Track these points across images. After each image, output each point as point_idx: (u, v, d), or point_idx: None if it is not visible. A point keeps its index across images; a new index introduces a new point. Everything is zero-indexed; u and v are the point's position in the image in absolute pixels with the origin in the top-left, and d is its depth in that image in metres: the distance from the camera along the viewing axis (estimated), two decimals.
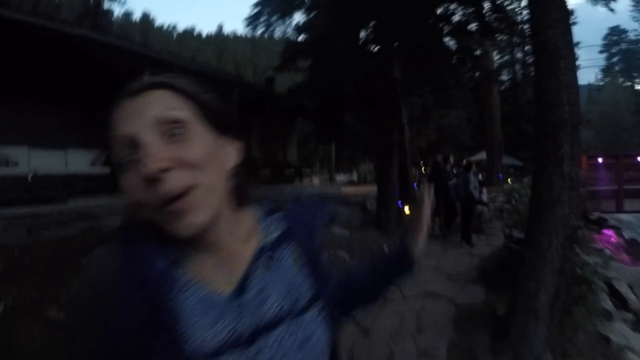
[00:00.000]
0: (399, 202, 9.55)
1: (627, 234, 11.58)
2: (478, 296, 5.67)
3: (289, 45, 11.38)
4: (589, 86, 45.22)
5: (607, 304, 4.69)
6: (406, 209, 11.08)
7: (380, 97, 9.06)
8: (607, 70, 45.17)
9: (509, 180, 22.21)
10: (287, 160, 18.31)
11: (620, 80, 42.45)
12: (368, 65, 9.04)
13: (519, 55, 35.76)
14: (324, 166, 38.94)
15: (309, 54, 10.29)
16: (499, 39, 29.53)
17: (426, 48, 8.88)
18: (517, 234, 6.76)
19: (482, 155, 27.74)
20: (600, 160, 12.02)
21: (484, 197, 8.97)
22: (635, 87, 41.70)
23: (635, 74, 42.86)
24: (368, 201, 10.21)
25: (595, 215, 11.06)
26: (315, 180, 20.20)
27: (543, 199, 3.85)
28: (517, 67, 35.86)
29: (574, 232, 3.69)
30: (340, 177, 33.82)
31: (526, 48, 35.77)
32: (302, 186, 15.24)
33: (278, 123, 16.47)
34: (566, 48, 4.16)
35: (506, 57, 34.91)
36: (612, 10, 9.01)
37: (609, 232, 10.97)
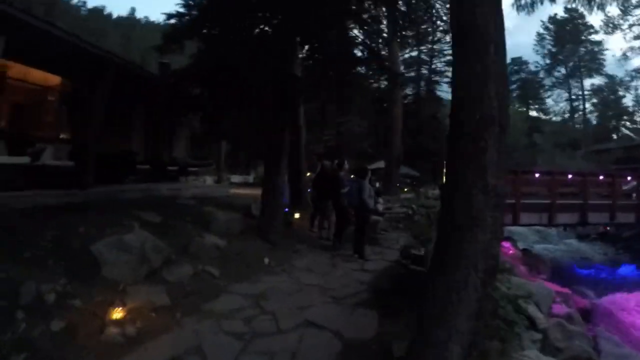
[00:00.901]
0: (287, 209, 8.31)
1: (521, 245, 11.83)
2: (370, 326, 4.55)
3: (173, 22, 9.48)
4: None
5: (528, 340, 3.86)
6: (296, 215, 9.89)
7: (274, 93, 7.72)
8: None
9: (404, 189, 22.56)
10: (173, 157, 16.10)
11: (517, 105, 47.14)
12: (262, 53, 7.68)
13: (424, 71, 37.52)
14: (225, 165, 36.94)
15: (196, 34, 8.56)
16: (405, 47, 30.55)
17: (329, 43, 7.76)
18: (417, 251, 5.89)
19: (380, 164, 28.19)
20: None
21: (380, 206, 8.11)
22: (530, 113, 46.78)
23: (530, 101, 47.93)
24: (254, 205, 8.78)
25: None
26: (209, 181, 18.23)
27: (458, 219, 2.81)
28: (422, 82, 37.58)
29: (495, 262, 2.68)
30: (235, 178, 32.06)
31: (433, 65, 38.12)
32: (182, 186, 13.27)
33: (167, 115, 14.28)
34: (497, 31, 3.25)
35: (412, 73, 36.29)
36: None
37: (506, 244, 10.93)
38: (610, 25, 36.16)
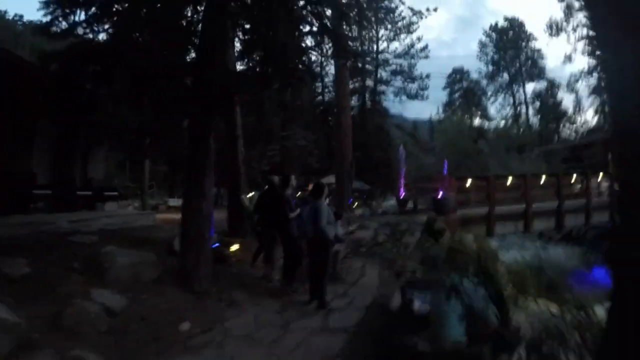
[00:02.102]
0: (216, 243, 6.28)
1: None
2: None
3: None
4: (430, 121, 50.30)
5: None
6: (234, 247, 7.85)
7: (194, 89, 5.72)
8: (449, 105, 50.88)
9: (356, 205, 20.99)
10: (88, 179, 13.38)
11: (460, 114, 47.85)
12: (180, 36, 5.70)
13: (369, 82, 36.79)
14: (163, 188, 33.54)
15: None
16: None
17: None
18: (417, 293, 4.07)
19: (330, 179, 26.58)
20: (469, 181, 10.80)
21: (340, 231, 6.27)
22: (475, 121, 47.75)
23: (473, 109, 48.87)
24: (178, 240, 6.56)
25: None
26: (131, 208, 15.57)
27: None
28: (367, 94, 36.81)
29: None
30: (174, 202, 29.01)
31: (379, 75, 37.55)
32: (94, 215, 10.75)
33: (59, 123, 11.63)
34: None
35: (357, 84, 35.37)
36: None
37: None
38: (554, 27, 37.40)
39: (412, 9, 29.60)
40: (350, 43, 9.38)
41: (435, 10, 34.07)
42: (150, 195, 23.48)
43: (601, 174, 14.14)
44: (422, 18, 31.90)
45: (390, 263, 7.62)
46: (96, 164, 13.82)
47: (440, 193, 9.60)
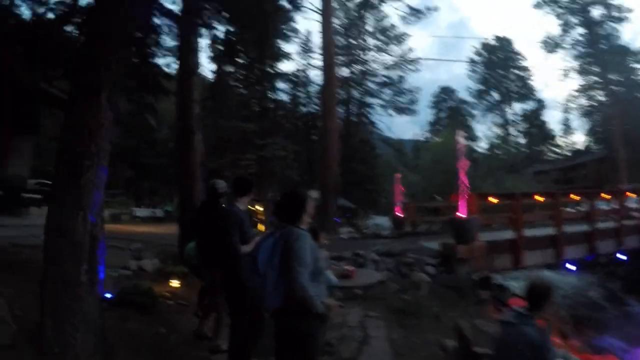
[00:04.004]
0: (106, 294, 3.59)
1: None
2: None
3: None
4: (415, 141, 48.79)
5: None
6: (174, 282, 5.25)
7: None
8: (434, 124, 49.60)
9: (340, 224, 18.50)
10: (6, 177, 10.42)
11: (447, 132, 46.53)
12: None
13: (356, 93, 34.66)
14: (129, 196, 30.11)
15: None
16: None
17: None
18: None
19: (313, 194, 23.99)
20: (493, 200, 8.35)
21: (333, 280, 3.68)
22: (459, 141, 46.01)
23: (459, 129, 47.41)
24: None
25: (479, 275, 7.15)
26: None
27: None
28: (352, 105, 34.60)
29: None
30: (141, 212, 25.94)
31: (365, 86, 35.39)
32: (13, 221, 7.91)
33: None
34: None
35: (342, 95, 33.14)
36: None
37: (516, 301, 6.94)
38: (552, 42, 36.04)
39: (404, 15, 27.51)
40: None
41: (435, 9, 32.10)
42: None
43: (630, 193, 12.04)
44: (419, 17, 29.60)
45: (400, 316, 5.11)
46: (19, 157, 10.72)
47: (461, 214, 7.14)
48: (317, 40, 33.09)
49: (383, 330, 4.58)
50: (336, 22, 28.79)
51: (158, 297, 4.83)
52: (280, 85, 29.81)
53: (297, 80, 32.62)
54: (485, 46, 47.43)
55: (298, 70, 32.77)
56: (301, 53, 33.05)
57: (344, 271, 4.89)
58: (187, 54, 7.64)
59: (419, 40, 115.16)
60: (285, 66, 32.27)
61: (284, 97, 31.62)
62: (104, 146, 3.08)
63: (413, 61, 34.55)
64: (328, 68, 17.30)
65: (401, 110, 36.16)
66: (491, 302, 6.36)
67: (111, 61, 3.14)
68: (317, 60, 28.98)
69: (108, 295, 3.22)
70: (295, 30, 30.13)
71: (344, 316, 4.80)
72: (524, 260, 8.25)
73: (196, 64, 7.99)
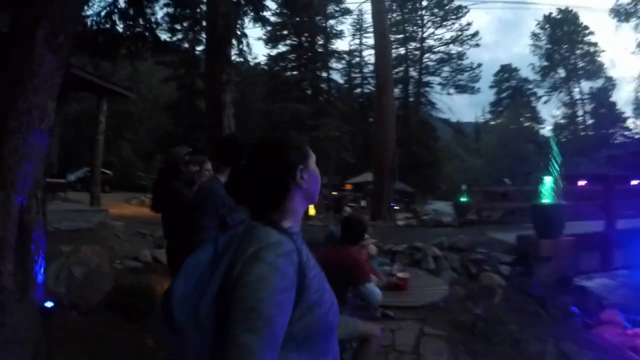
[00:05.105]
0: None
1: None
2: None
3: None
4: (476, 123, 45.73)
5: None
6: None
7: None
8: (496, 104, 46.26)
9: (397, 208, 17.17)
10: None
11: (511, 113, 43.16)
12: None
13: (413, 72, 32.67)
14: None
15: None
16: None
17: None
18: None
19: (367, 177, 22.81)
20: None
21: (377, 295, 2.58)
22: (523, 123, 42.68)
23: (522, 110, 43.86)
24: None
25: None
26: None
27: None
28: (410, 85, 32.62)
29: None
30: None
31: (424, 63, 33.18)
32: None
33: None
34: None
35: (400, 74, 31.28)
36: None
37: (612, 317, 5.37)
38: (622, 11, 31.51)
39: None
40: None
41: None
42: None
43: None
44: None
45: (468, 336, 3.89)
46: None
47: (546, 199, 5.65)
48: (369, 19, 31.57)
49: (446, 357, 3.42)
50: None
51: (159, 300, 3.98)
52: (335, 66, 28.76)
53: (351, 61, 31.30)
54: (549, 19, 42.80)
55: (351, 51, 31.42)
56: (354, 33, 31.66)
57: (394, 280, 3.41)
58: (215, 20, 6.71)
59: (477, 21, 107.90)
60: (339, 46, 30.87)
61: (338, 78, 30.51)
62: (40, 103, 2.18)
63: (473, 36, 31.74)
64: (380, 36, 15.90)
65: (461, 88, 33.55)
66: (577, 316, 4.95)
67: None
68: (371, 39, 27.63)
69: (49, 305, 2.37)
70: (347, 11, 28.59)
71: (393, 333, 3.67)
72: (616, 259, 6.62)
73: (228, 35, 7.09)
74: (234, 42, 7.21)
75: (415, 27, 31.65)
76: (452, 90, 33.41)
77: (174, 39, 18.67)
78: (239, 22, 6.91)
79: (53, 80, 2.27)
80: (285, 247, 0.88)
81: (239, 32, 7.22)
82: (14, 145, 2.07)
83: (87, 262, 3.57)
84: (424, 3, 31.71)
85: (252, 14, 5.67)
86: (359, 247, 3.04)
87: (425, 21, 32.17)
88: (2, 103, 2.12)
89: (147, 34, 5.11)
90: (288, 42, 27.31)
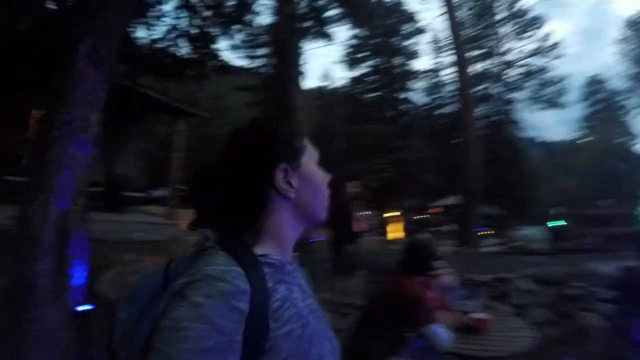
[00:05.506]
0: None
1: None
2: None
3: None
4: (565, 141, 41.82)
5: None
6: None
7: None
8: (586, 120, 42.09)
9: (484, 233, 15.97)
10: (112, 176, 10.52)
11: (600, 129, 38.87)
12: None
13: (495, 90, 30.86)
14: None
15: None
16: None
17: None
18: None
19: (449, 200, 21.74)
20: None
21: (441, 336, 2.20)
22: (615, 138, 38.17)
23: (614, 127, 39.24)
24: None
25: None
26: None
27: None
28: (493, 103, 30.77)
29: None
30: None
31: (506, 79, 31.20)
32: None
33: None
34: None
35: (482, 91, 29.72)
36: None
37: None
38: None
39: None
40: None
41: None
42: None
43: None
44: None
45: None
46: (127, 156, 11.07)
47: None
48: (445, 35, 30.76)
49: None
50: (462, 14, 26.06)
51: None
52: (415, 86, 28.35)
53: (431, 80, 30.60)
54: (631, 24, 37.81)
55: (430, 70, 30.74)
56: (432, 52, 30.98)
57: (470, 321, 2.74)
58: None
59: (558, 31, 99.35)
60: (418, 66, 30.30)
61: (418, 98, 29.98)
62: (81, 115, 2.31)
63: (553, 47, 29.11)
64: (457, 53, 15.44)
65: (547, 104, 30.64)
66: None
67: (96, 5, 2.38)
68: (448, 57, 26.73)
69: (84, 308, 2.41)
70: (422, 30, 28.07)
71: None
72: None
73: (293, 57, 7.28)
74: (301, 63, 7.39)
75: (493, 42, 29.99)
76: (537, 107, 30.71)
77: (252, 64, 19.85)
78: (302, 42, 7.12)
79: (96, 94, 2.40)
80: (228, 285, 0.59)
81: (301, 52, 7.42)
82: (54, 154, 2.20)
83: (145, 272, 3.73)
84: (500, 16, 30.02)
85: (315, 30, 5.75)
86: (426, 278, 2.56)
87: (502, 35, 30.39)
88: (48, 113, 2.29)
89: (211, 57, 5.44)
90: (367, 64, 27.61)
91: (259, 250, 0.68)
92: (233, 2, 5.23)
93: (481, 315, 2.83)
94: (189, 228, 0.74)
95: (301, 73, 7.54)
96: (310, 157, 0.77)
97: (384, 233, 19.79)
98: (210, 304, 0.57)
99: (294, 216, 0.74)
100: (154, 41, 5.13)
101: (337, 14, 5.69)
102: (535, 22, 29.36)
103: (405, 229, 20.25)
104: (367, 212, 18.76)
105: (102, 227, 6.69)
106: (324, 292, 5.62)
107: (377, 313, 2.28)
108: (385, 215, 22.24)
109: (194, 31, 4.96)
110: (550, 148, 34.27)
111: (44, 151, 2.21)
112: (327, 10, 5.49)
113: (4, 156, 5.73)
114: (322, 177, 0.78)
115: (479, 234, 13.96)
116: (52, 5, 4.17)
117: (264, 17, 5.80)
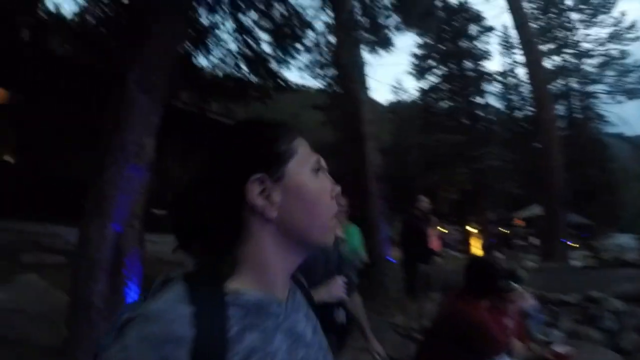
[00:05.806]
0: None
1: None
2: None
3: None
4: None
5: None
6: None
7: None
8: None
9: (571, 244, 14.37)
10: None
11: None
12: None
13: (574, 84, 28.10)
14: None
15: None
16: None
17: None
18: None
19: (534, 211, 19.98)
20: None
21: None
22: None
23: None
24: None
25: None
26: None
27: None
28: (573, 99, 28.02)
29: None
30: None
31: (583, 70, 28.25)
32: None
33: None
34: None
35: (559, 87, 27.20)
36: None
37: None
38: None
39: None
40: None
41: None
42: None
43: None
44: None
45: None
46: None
47: None
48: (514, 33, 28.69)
49: None
50: (529, 5, 24.03)
51: None
52: (489, 89, 26.82)
53: (505, 82, 28.74)
54: None
55: (504, 71, 28.89)
56: (502, 51, 29.09)
57: (549, 354, 2.34)
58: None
59: (631, 11, 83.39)
60: (490, 67, 28.57)
61: (494, 102, 28.32)
62: (135, 140, 2.41)
63: (630, 28, 25.60)
64: (526, 48, 14.46)
65: (631, 93, 26.98)
66: None
67: (144, 35, 2.50)
68: (520, 55, 24.77)
69: None
70: (489, 29, 26.40)
71: None
72: None
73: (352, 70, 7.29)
74: (366, 76, 7.44)
75: (564, 32, 27.18)
76: (621, 98, 27.16)
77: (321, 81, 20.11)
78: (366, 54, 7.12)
79: (149, 119, 2.50)
80: (161, 328, 0.47)
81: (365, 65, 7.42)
82: (109, 178, 2.32)
83: None
84: (568, 2, 27.07)
85: (377, 41, 5.69)
86: (496, 302, 2.27)
87: (574, 23, 27.43)
88: (104, 138, 2.42)
89: (271, 77, 5.61)
90: (436, 72, 26.71)
91: (233, 284, 0.54)
92: (289, 23, 5.31)
93: (562, 349, 2.39)
94: (172, 253, 0.66)
95: (366, 87, 7.48)
96: (301, 164, 0.60)
97: (466, 249, 18.77)
98: (138, 349, 0.45)
99: (280, 242, 0.58)
100: (216, 66, 5.38)
101: (398, 22, 5.60)
102: (605, 4, 26.25)
103: (484, 245, 19.05)
104: (444, 228, 17.94)
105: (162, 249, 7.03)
106: (395, 315, 5.38)
107: (439, 339, 2.07)
108: (467, 229, 21.18)
109: (250, 54, 5.12)
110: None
111: (100, 175, 2.33)
112: (388, 18, 5.44)
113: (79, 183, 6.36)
114: (319, 190, 0.60)
115: (566, 245, 12.63)
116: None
117: (326, 35, 5.87)
